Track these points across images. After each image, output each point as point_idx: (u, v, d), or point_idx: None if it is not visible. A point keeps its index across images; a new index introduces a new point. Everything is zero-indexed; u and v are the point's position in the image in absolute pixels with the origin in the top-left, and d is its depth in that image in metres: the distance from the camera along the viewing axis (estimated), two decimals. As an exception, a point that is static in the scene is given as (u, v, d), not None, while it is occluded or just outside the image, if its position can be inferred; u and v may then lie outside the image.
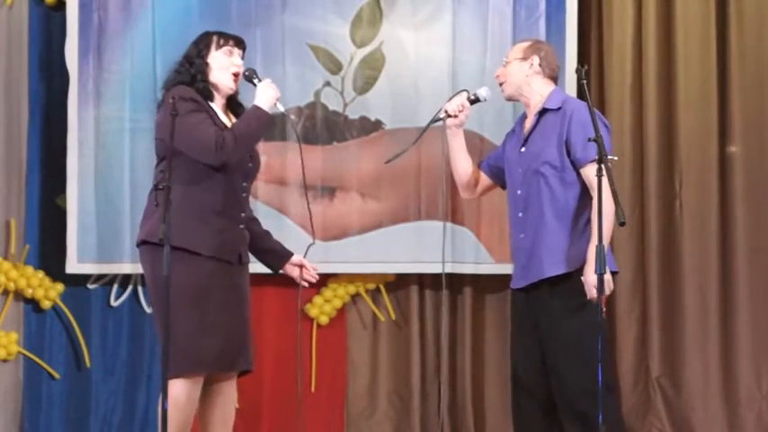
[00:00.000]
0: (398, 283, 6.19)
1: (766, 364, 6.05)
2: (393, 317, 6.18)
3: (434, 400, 6.13)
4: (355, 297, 6.19)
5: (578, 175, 4.21)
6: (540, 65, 4.35)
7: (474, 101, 4.44)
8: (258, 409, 6.03)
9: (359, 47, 6.05)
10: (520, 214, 4.31)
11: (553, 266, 4.19)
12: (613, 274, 4.20)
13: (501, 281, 6.11)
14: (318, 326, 6.11)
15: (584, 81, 4.07)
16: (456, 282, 6.15)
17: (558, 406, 4.23)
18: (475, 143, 5.87)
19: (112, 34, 5.95)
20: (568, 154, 4.20)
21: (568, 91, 5.88)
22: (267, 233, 4.38)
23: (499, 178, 4.53)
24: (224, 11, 5.93)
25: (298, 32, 6.00)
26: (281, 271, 4.41)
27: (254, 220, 4.34)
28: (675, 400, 6.03)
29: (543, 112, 4.31)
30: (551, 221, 4.21)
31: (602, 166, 3.83)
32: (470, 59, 6.00)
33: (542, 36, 5.95)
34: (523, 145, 4.33)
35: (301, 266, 4.38)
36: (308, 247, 4.32)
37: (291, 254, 4.39)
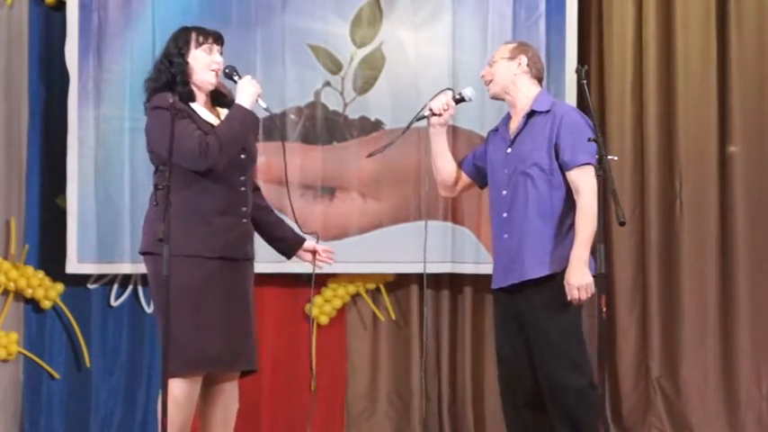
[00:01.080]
0: (398, 283, 6.19)
1: (766, 365, 6.05)
2: (393, 317, 6.18)
3: (434, 400, 6.14)
4: (355, 297, 6.19)
5: (565, 178, 4.21)
6: (527, 65, 4.35)
7: (459, 100, 4.43)
8: (258, 409, 6.03)
9: (359, 47, 6.05)
10: (504, 214, 4.30)
11: (537, 268, 4.20)
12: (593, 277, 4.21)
13: (501, 281, 6.12)
14: (318, 326, 6.11)
15: (585, 81, 4.08)
16: (456, 282, 6.15)
17: (547, 404, 4.24)
18: (475, 143, 5.87)
19: (112, 34, 5.96)
20: (557, 157, 4.20)
21: (568, 91, 5.90)
22: (279, 221, 4.40)
23: (479, 178, 4.52)
24: (224, 11, 5.93)
25: (298, 32, 6.00)
26: (294, 257, 4.43)
27: (266, 209, 4.35)
28: (675, 400, 6.04)
29: (531, 114, 4.30)
30: (536, 223, 4.21)
31: (602, 166, 3.84)
32: (470, 59, 6.00)
33: (542, 36, 5.97)
34: (510, 146, 4.33)
35: (314, 252, 4.39)
36: (317, 238, 4.39)
37: (304, 239, 4.41)
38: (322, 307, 6.10)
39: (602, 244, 3.88)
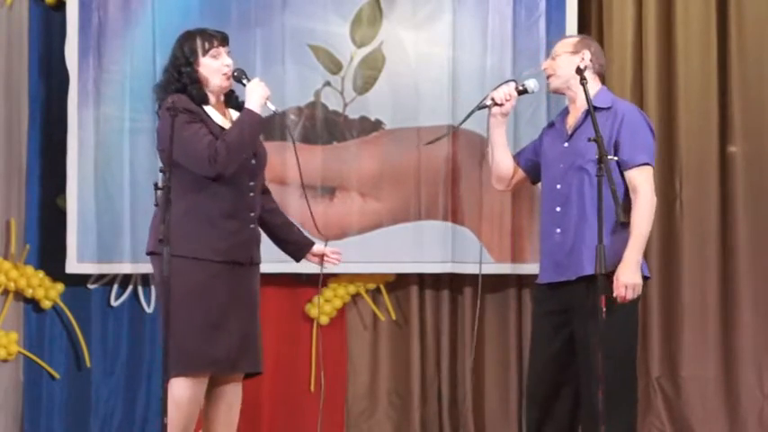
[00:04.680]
0: (398, 283, 6.19)
1: (767, 365, 6.05)
2: (393, 317, 6.18)
3: (434, 400, 6.13)
4: (355, 297, 6.19)
5: (622, 176, 4.18)
6: (590, 60, 4.31)
7: (522, 92, 4.39)
8: (258, 408, 6.03)
9: (359, 47, 6.05)
10: (558, 209, 4.26)
11: (593, 265, 4.14)
12: (645, 279, 4.20)
13: (501, 281, 6.12)
14: (319, 326, 6.10)
15: (585, 81, 4.08)
16: (456, 282, 6.15)
17: (583, 403, 4.21)
18: (476, 142, 5.88)
19: (112, 34, 5.95)
20: (615, 155, 4.17)
21: (568, 91, 5.90)
22: (289, 223, 4.41)
23: (533, 173, 4.48)
24: (224, 11, 5.93)
25: (298, 32, 6.00)
26: (303, 259, 4.45)
27: (275, 211, 4.36)
28: (675, 400, 6.03)
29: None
30: (593, 220, 4.16)
31: (603, 165, 3.85)
32: (470, 59, 6.00)
33: (542, 36, 5.97)
34: (567, 140, 4.31)
35: (322, 255, 4.40)
36: (326, 243, 4.40)
37: (313, 243, 4.41)
38: (322, 307, 6.09)
39: (603, 244, 3.89)
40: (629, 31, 6.12)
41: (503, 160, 4.48)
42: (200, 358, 4.00)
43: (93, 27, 5.95)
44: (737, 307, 6.04)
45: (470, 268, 6.01)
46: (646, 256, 6.01)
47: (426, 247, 5.98)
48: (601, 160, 3.86)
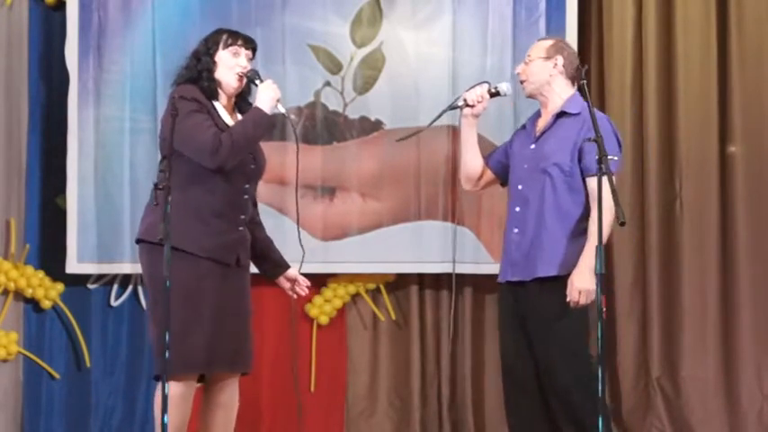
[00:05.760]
0: (398, 283, 6.19)
1: (767, 365, 6.05)
2: (393, 317, 6.18)
3: (434, 400, 6.14)
4: (355, 297, 6.19)
5: (585, 182, 4.21)
6: (563, 65, 4.34)
7: (494, 94, 4.42)
8: (257, 409, 6.03)
9: (359, 47, 6.05)
10: (517, 209, 4.31)
11: (547, 267, 4.20)
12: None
13: (501, 281, 6.12)
14: (318, 326, 6.11)
15: (585, 81, 4.08)
16: (456, 282, 6.14)
17: (552, 405, 4.24)
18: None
19: (112, 34, 5.96)
20: (579, 161, 4.20)
21: (568, 91, 5.90)
22: (269, 241, 4.37)
23: (503, 174, 4.52)
24: (224, 11, 5.93)
25: (298, 32, 6.00)
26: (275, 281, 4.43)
27: (258, 225, 4.33)
28: (675, 400, 6.04)
29: (561, 114, 4.30)
30: (551, 223, 4.21)
31: (602, 166, 3.85)
32: (470, 59, 6.01)
33: (542, 36, 5.95)
34: (534, 142, 4.33)
35: (294, 280, 4.38)
36: (302, 260, 4.30)
37: (288, 266, 4.38)
38: (322, 307, 6.10)
39: (602, 244, 3.90)
40: (629, 32, 6.13)
41: (471, 160, 4.53)
42: (185, 359, 3.98)
43: (93, 27, 5.95)
44: (737, 307, 6.04)
45: (470, 268, 6.02)
46: (645, 255, 6.10)
47: (426, 247, 5.98)
48: (600, 161, 3.86)
